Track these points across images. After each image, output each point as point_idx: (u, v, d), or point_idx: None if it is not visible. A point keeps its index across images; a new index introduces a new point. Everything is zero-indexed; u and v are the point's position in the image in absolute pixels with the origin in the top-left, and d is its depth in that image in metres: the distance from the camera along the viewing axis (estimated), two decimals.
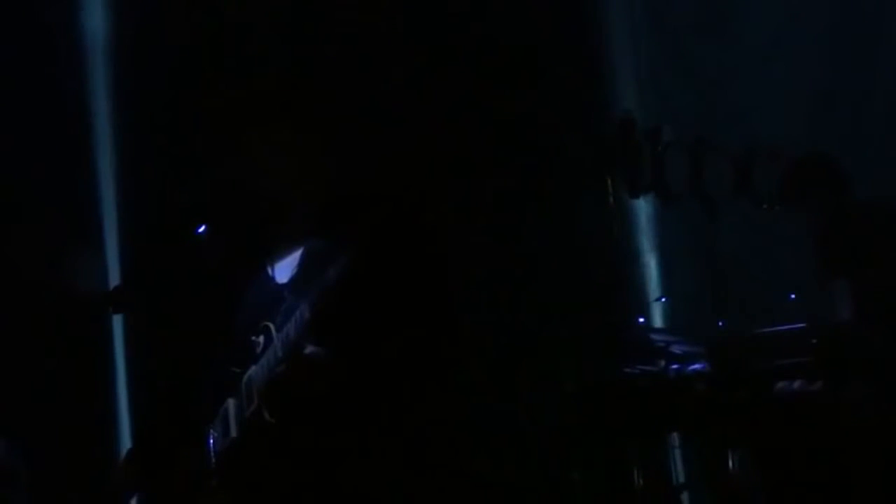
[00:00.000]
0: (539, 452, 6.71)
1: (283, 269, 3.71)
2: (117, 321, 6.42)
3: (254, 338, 3.64)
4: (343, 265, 3.35)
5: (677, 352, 5.89)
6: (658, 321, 7.50)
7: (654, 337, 6.13)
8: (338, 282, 3.36)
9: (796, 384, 5.34)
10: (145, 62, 6.59)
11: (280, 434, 3.49)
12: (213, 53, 6.60)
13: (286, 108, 3.69)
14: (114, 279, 6.40)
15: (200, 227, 3.85)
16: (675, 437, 6.53)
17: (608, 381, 6.01)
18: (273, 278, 3.72)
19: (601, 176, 6.80)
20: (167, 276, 3.94)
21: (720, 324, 6.46)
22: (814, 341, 5.30)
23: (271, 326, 3.59)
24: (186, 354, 4.13)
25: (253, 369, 3.60)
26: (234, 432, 3.63)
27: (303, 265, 3.64)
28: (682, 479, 6.70)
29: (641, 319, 7.27)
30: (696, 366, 5.67)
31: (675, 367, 5.83)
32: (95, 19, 6.63)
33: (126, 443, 6.52)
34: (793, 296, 6.57)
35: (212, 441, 3.70)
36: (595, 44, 8.01)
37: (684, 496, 6.52)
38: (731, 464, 5.66)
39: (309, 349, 3.44)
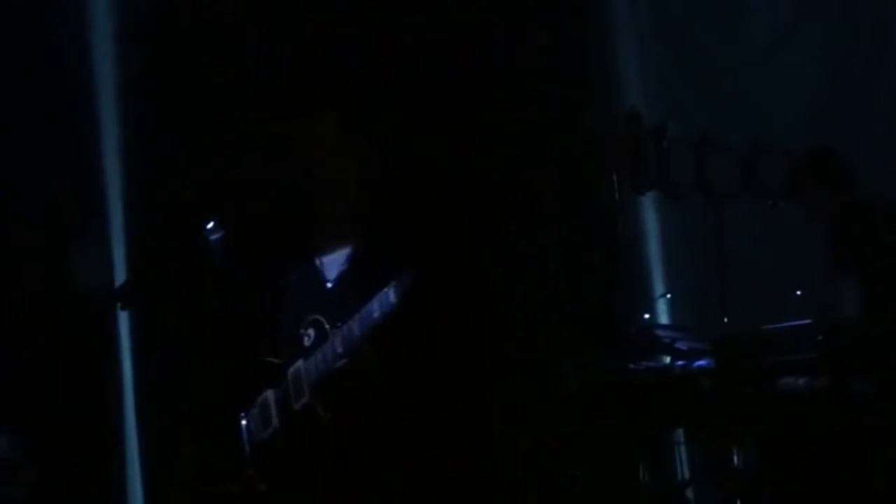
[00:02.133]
0: (544, 449, 6.71)
1: (331, 265, 3.73)
2: (123, 317, 6.41)
3: (301, 331, 3.64)
4: (421, 273, 3.36)
5: (682, 348, 5.90)
6: (663, 317, 7.50)
7: (659, 333, 6.13)
8: (414, 290, 3.37)
9: (802, 381, 5.34)
10: (153, 55, 6.59)
11: (332, 429, 3.51)
12: (220, 47, 6.60)
13: (339, 108, 3.72)
14: (120, 276, 6.40)
15: (208, 222, 3.85)
16: (680, 434, 6.53)
17: (613, 377, 6.00)
18: (321, 272, 3.73)
19: (606, 172, 6.80)
20: (174, 272, 3.95)
21: (725, 320, 6.46)
22: (819, 338, 5.28)
23: (323, 321, 3.60)
24: (203, 346, 4.14)
25: (302, 363, 3.60)
26: (275, 423, 3.63)
27: (353, 264, 3.66)
28: (686, 475, 6.70)
29: (646, 316, 7.26)
30: (701, 362, 5.67)
31: (680, 363, 5.84)
32: (102, 12, 6.62)
33: (131, 438, 6.52)
34: (798, 292, 6.56)
35: (246, 430, 3.70)
36: (600, 39, 8.00)
37: (689, 492, 6.51)
38: (735, 460, 5.66)
39: (369, 347, 3.46)
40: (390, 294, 3.40)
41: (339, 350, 3.51)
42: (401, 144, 3.90)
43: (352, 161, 3.72)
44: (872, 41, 8.17)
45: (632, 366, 5.91)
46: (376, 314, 3.43)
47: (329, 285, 3.72)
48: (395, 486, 3.49)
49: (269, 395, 3.67)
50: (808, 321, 5.47)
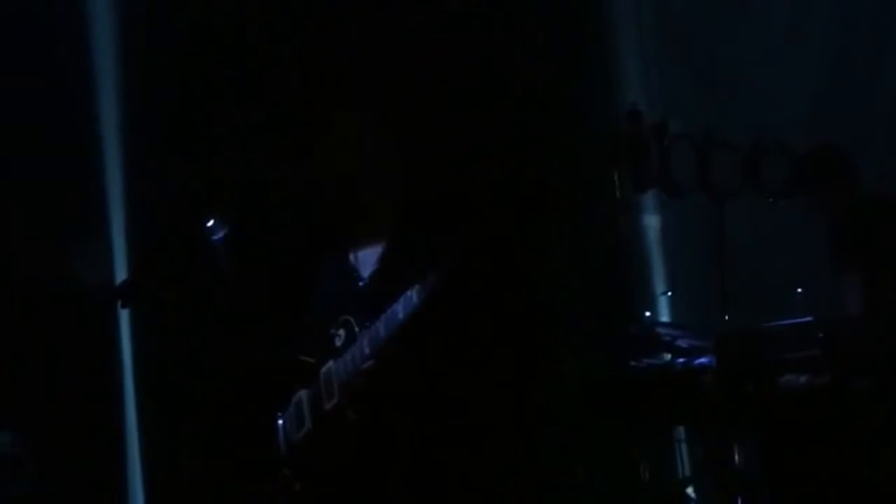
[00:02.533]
0: (545, 446, 6.71)
1: (366, 261, 3.73)
2: (124, 315, 6.41)
3: (333, 330, 3.64)
4: (446, 274, 3.36)
5: (683, 346, 5.89)
6: (664, 315, 7.50)
7: (661, 331, 6.13)
8: (440, 291, 3.37)
9: (803, 378, 5.34)
10: (153, 50, 6.59)
11: (362, 430, 3.51)
12: (222, 42, 6.59)
13: (376, 105, 3.74)
14: (121, 273, 6.40)
15: (209, 220, 3.85)
16: (681, 431, 6.53)
17: (614, 375, 6.01)
18: (356, 270, 3.73)
19: (608, 170, 6.79)
20: (175, 270, 3.94)
21: (726, 318, 6.46)
22: (821, 335, 5.28)
23: (352, 321, 3.60)
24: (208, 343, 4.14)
25: (332, 364, 3.60)
26: (308, 423, 3.64)
27: (386, 262, 3.66)
28: (687, 472, 6.70)
29: (648, 313, 7.26)
30: (703, 360, 5.67)
31: (681, 360, 5.84)
32: (102, 8, 6.62)
33: (132, 436, 6.52)
34: (799, 290, 6.56)
35: (282, 430, 3.71)
36: (602, 36, 8.00)
37: (690, 490, 6.51)
38: (736, 458, 5.66)
39: (397, 348, 3.46)
40: (413, 295, 3.41)
41: (367, 351, 3.52)
42: (426, 142, 3.90)
43: (387, 156, 3.73)
44: (873, 40, 8.16)
45: (633, 363, 5.91)
46: (400, 315, 3.44)
47: (361, 283, 3.72)
48: (420, 487, 3.51)
49: (303, 395, 3.68)
50: (809, 319, 5.47)
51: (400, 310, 3.44)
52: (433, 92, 6.50)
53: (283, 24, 6.65)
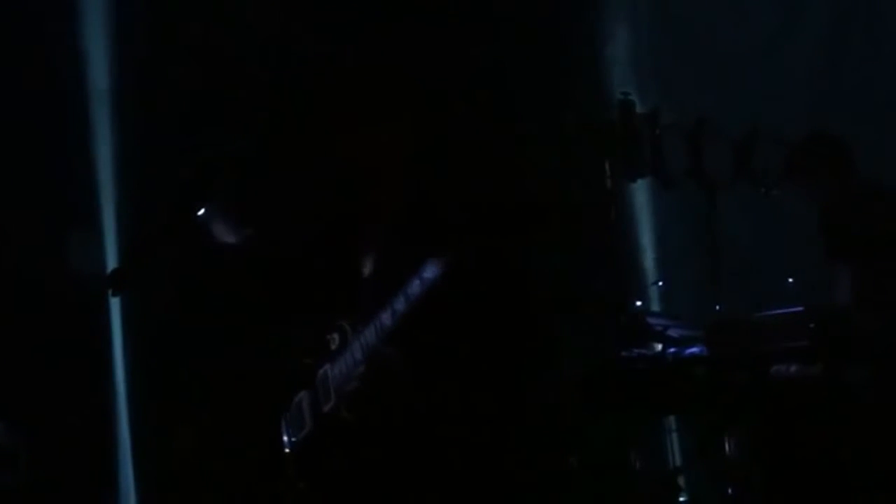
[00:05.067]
0: (536, 436, 6.71)
1: (364, 264, 3.74)
2: (116, 304, 6.42)
3: (328, 334, 3.68)
4: (432, 279, 3.38)
5: (675, 335, 5.90)
6: (655, 305, 7.51)
7: (652, 321, 6.13)
8: (425, 295, 3.39)
9: (793, 368, 5.35)
10: (147, 40, 6.58)
11: (358, 432, 3.55)
12: (215, 36, 6.59)
13: (382, 108, 3.73)
14: (112, 261, 6.40)
15: (200, 209, 3.85)
16: (672, 421, 6.54)
17: (605, 364, 6.01)
18: (356, 274, 3.75)
19: (599, 159, 6.79)
20: (166, 259, 3.94)
21: (717, 308, 6.46)
22: (811, 325, 5.30)
23: (346, 326, 3.64)
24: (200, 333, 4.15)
25: (329, 367, 3.65)
26: (309, 425, 3.68)
27: (381, 266, 3.68)
28: (678, 461, 6.72)
29: (639, 303, 7.26)
30: (694, 349, 5.67)
31: (672, 350, 5.84)
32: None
33: (123, 425, 6.53)
34: (791, 280, 6.57)
35: (286, 430, 3.75)
36: (595, 25, 7.99)
37: (681, 479, 6.52)
38: (727, 447, 5.67)
39: (388, 353, 3.48)
40: (399, 302, 3.44)
41: (359, 356, 3.55)
42: (429, 144, 3.90)
43: (390, 158, 3.74)
44: (869, 30, 8.17)
45: (624, 353, 5.91)
46: (389, 322, 3.47)
47: (357, 289, 3.74)
48: (417, 489, 3.53)
49: (304, 396, 3.73)
50: (799, 308, 5.48)
51: (388, 316, 3.47)
52: (433, 92, 6.48)
53: (289, 25, 6.64)
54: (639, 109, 6.79)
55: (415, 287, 3.43)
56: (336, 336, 3.67)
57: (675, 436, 6.60)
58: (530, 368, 3.69)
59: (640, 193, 7.83)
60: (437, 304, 3.43)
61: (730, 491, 5.67)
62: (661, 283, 7.55)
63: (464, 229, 3.40)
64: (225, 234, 3.91)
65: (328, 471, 3.65)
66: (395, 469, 3.55)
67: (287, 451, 3.74)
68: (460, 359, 3.51)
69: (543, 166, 7.17)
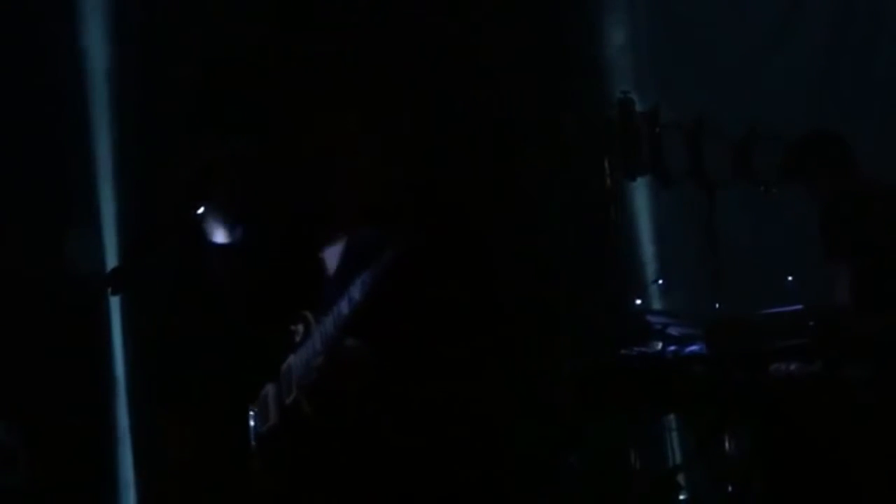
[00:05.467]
0: (535, 435, 6.72)
1: (331, 259, 3.74)
2: (115, 302, 6.42)
3: (292, 326, 3.67)
4: (385, 265, 3.36)
5: (674, 334, 5.89)
6: (655, 303, 7.50)
7: (652, 319, 6.13)
8: (379, 281, 3.38)
9: (793, 366, 5.35)
10: (145, 36, 6.58)
11: (319, 425, 3.53)
12: (212, 34, 6.59)
13: (344, 100, 3.72)
14: (111, 261, 6.39)
15: (199, 208, 3.86)
16: (672, 419, 6.54)
17: (605, 363, 6.01)
18: (324, 268, 3.74)
19: (599, 158, 6.79)
20: (165, 257, 3.95)
21: (717, 306, 6.46)
22: (811, 323, 5.30)
23: (309, 316, 3.63)
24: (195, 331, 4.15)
25: (292, 358, 3.64)
26: (273, 418, 3.68)
27: (345, 257, 3.67)
28: (678, 460, 6.71)
29: (638, 301, 7.26)
30: (693, 347, 5.67)
31: (672, 348, 5.84)
32: None
33: (124, 424, 6.53)
34: (790, 278, 6.57)
35: (252, 423, 3.75)
36: (594, 25, 7.99)
37: (680, 478, 6.52)
38: (727, 446, 5.66)
39: (349, 343, 3.47)
40: (356, 290, 3.43)
41: (318, 347, 3.53)
42: (400, 133, 3.89)
43: (352, 150, 3.72)
44: (866, 29, 8.16)
45: (623, 351, 5.91)
46: (346, 311, 3.45)
47: (323, 280, 3.73)
48: (382, 481, 3.51)
49: (269, 389, 3.72)
50: (799, 307, 5.47)
51: (345, 305, 3.45)
52: (408, 88, 6.48)
53: (269, 24, 6.63)
54: (638, 108, 6.79)
55: (371, 274, 3.41)
56: (300, 327, 3.66)
57: (674, 434, 6.60)
58: (493, 358, 3.66)
59: (640, 192, 7.82)
60: (399, 293, 3.41)
61: (729, 489, 5.67)
62: (660, 282, 7.54)
63: (423, 218, 3.37)
64: (217, 234, 3.92)
65: (291, 464, 3.63)
66: (356, 462, 3.53)
67: (253, 443, 3.73)
68: (423, 349, 3.48)
69: (543, 165, 7.18)
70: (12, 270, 6.24)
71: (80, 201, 6.51)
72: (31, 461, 5.75)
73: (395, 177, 3.72)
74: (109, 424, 6.49)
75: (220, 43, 6.53)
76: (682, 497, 6.24)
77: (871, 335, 5.38)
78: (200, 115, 5.91)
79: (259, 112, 5.67)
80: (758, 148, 6.85)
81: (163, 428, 5.55)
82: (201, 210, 3.90)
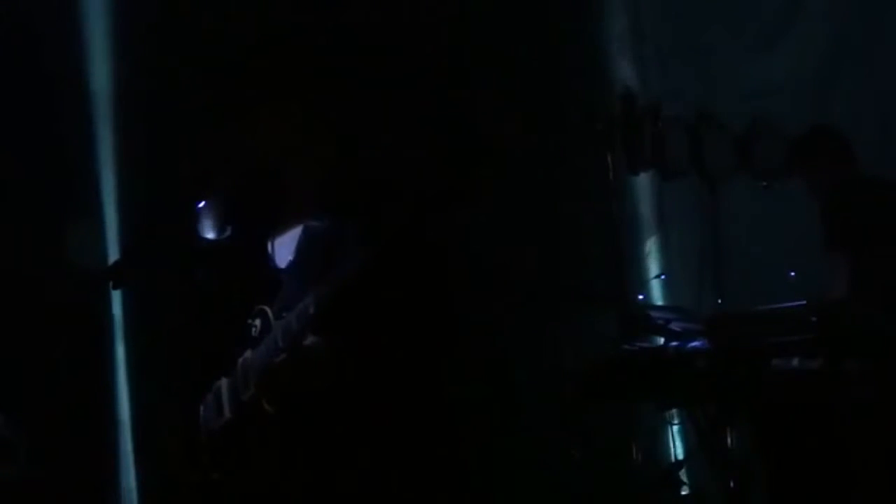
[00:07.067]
0: (539, 430, 6.72)
1: (282, 249, 3.69)
2: (116, 296, 6.41)
3: (249, 320, 3.61)
4: (355, 263, 3.31)
5: (676, 329, 5.88)
6: (658, 298, 7.50)
7: (654, 314, 6.12)
8: (348, 279, 3.32)
9: (795, 361, 5.34)
10: (145, 31, 6.57)
11: (277, 423, 3.47)
12: (211, 25, 6.58)
13: (292, 82, 3.67)
14: (113, 254, 6.39)
15: (200, 201, 3.84)
16: (674, 414, 6.53)
17: (607, 358, 6.00)
18: (272, 258, 3.69)
19: (602, 152, 6.79)
20: (166, 251, 3.93)
21: (719, 301, 6.46)
22: (813, 319, 5.28)
23: (268, 311, 3.57)
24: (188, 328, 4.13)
25: (249, 354, 3.57)
26: (227, 413, 3.61)
27: (302, 249, 3.61)
28: (680, 455, 6.71)
29: (641, 297, 7.26)
30: (696, 343, 5.66)
31: (674, 344, 5.82)
32: None
33: (124, 417, 6.53)
34: (792, 273, 6.57)
35: (202, 417, 3.69)
36: (597, 19, 7.98)
37: (682, 473, 6.52)
38: (729, 440, 5.66)
39: (310, 341, 3.41)
40: (323, 288, 3.36)
41: (280, 344, 3.47)
42: (359, 123, 3.85)
43: (307, 137, 3.67)
44: (867, 23, 8.14)
45: (626, 346, 5.90)
46: (313, 310, 3.38)
47: (277, 272, 3.67)
48: (344, 480, 3.46)
49: (223, 383, 3.65)
50: (802, 302, 5.46)
51: (311, 303, 3.40)
52: (369, 75, 6.45)
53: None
54: (640, 102, 6.79)
55: (341, 272, 3.35)
56: (258, 321, 3.60)
57: (676, 429, 6.59)
58: (453, 358, 3.62)
59: (642, 186, 7.81)
60: (363, 293, 3.35)
61: (731, 484, 5.66)
62: (663, 277, 7.54)
63: (388, 209, 3.31)
64: (208, 230, 3.89)
65: (246, 461, 3.58)
66: (313, 461, 3.48)
67: (203, 439, 3.67)
68: (384, 349, 3.44)
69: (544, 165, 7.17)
70: (13, 264, 6.23)
71: (82, 195, 6.51)
72: (31, 454, 5.75)
73: (350, 168, 3.67)
74: (110, 418, 6.49)
75: (225, 41, 6.52)
76: (683, 492, 6.24)
77: (874, 330, 5.37)
78: (203, 114, 5.89)
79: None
80: (759, 142, 6.85)
81: (164, 421, 5.54)
82: (202, 204, 3.88)
